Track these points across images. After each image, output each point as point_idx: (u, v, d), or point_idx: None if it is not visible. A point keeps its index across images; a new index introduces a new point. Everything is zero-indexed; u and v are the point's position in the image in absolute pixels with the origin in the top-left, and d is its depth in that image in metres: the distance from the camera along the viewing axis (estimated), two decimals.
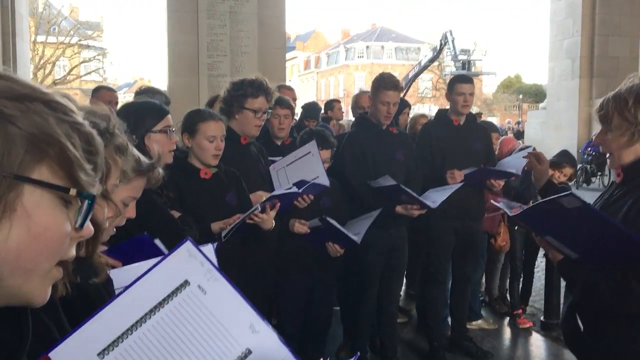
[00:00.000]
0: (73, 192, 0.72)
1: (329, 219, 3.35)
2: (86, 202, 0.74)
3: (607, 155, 2.14)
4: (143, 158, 1.46)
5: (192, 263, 0.98)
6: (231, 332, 0.96)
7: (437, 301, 4.61)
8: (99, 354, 0.90)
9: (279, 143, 4.09)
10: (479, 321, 5.34)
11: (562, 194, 1.81)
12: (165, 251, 1.78)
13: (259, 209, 2.83)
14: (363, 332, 4.14)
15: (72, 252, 0.77)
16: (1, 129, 0.67)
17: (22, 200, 0.69)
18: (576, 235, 1.93)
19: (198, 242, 2.01)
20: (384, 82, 3.92)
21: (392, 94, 3.90)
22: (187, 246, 0.99)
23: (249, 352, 0.96)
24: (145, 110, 2.50)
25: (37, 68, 28.31)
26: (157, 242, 1.87)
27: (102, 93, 5.25)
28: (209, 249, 1.67)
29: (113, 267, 1.68)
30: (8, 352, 0.76)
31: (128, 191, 1.45)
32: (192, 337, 0.94)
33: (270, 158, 3.68)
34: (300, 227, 3.46)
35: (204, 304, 0.96)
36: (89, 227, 0.78)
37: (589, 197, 2.26)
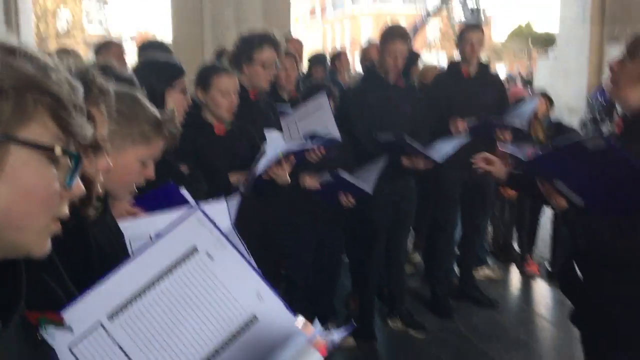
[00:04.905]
0: (58, 150, 0.72)
1: (340, 173, 3.35)
2: (73, 161, 0.74)
3: (612, 84, 2.07)
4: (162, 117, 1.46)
5: (201, 231, 1.00)
6: (237, 298, 0.98)
7: (443, 251, 4.66)
8: (109, 317, 0.93)
9: (285, 97, 4.06)
10: (485, 271, 5.40)
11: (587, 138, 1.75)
12: (191, 200, 1.80)
13: (275, 162, 2.82)
14: (371, 282, 4.20)
15: (65, 209, 0.77)
16: None
17: (9, 159, 0.69)
18: (590, 182, 1.88)
19: (211, 196, 2.01)
20: (392, 34, 3.88)
21: (400, 45, 3.84)
22: (197, 215, 1.01)
23: (255, 318, 0.98)
24: (168, 67, 2.52)
25: (38, 19, 27.85)
26: (183, 191, 1.87)
27: (110, 48, 5.07)
28: (223, 207, 1.68)
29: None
30: None
31: (146, 150, 1.44)
32: (200, 302, 0.97)
33: (279, 106, 3.66)
34: (311, 182, 3.47)
35: (211, 270, 0.98)
36: (78, 186, 0.77)
37: None
